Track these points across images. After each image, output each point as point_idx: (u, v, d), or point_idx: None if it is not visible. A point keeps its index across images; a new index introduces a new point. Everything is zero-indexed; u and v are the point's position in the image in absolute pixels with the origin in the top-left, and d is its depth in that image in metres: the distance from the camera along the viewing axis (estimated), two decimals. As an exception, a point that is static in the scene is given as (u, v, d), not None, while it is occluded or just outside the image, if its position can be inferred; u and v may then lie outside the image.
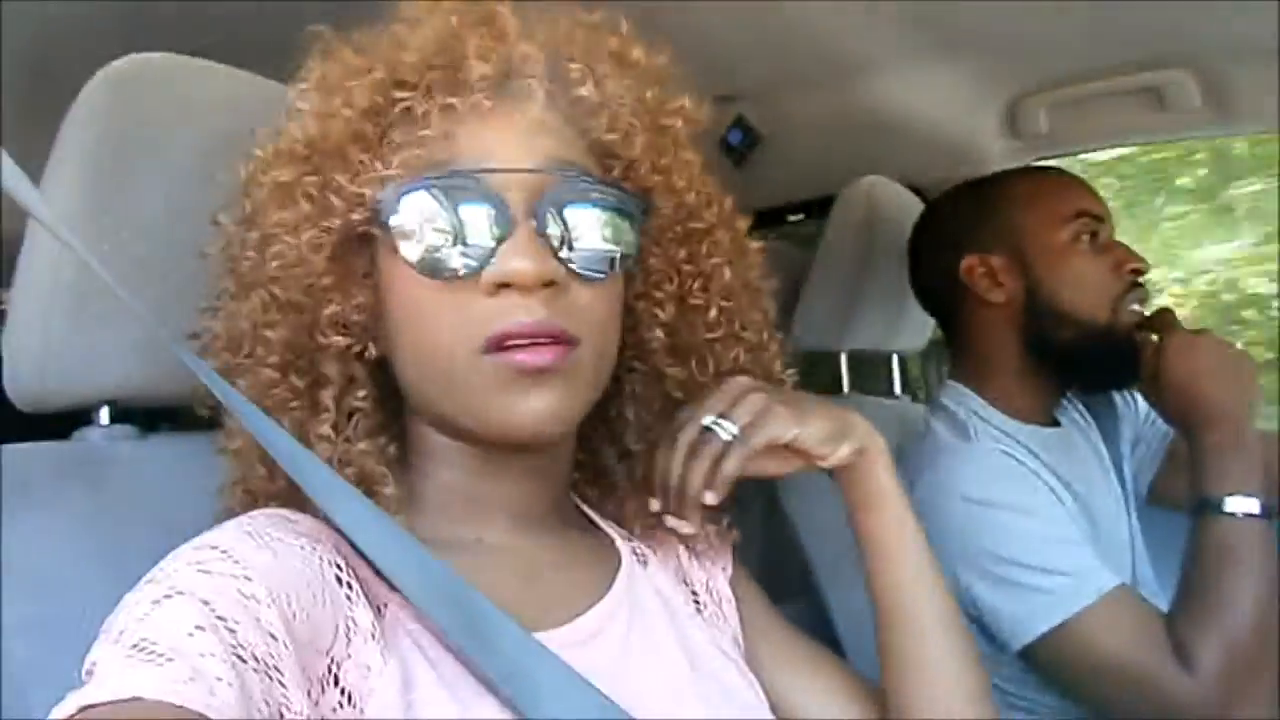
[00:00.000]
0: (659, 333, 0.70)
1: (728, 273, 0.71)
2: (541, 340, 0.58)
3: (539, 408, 0.58)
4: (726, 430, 0.66)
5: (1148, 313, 1.22)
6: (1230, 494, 1.04)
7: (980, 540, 1.11)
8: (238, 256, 0.63)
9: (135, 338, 0.72)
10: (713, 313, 0.70)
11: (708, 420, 0.67)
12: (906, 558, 0.74)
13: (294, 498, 0.59)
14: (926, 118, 1.60)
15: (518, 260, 0.57)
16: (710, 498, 0.66)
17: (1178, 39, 1.39)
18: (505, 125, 0.61)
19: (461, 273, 0.58)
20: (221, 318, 0.65)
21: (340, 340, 0.62)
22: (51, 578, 0.65)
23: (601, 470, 0.75)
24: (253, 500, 0.63)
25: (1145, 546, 1.30)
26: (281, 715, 0.46)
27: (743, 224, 0.73)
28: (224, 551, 0.50)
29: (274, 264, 0.61)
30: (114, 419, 0.76)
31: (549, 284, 0.58)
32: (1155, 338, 1.16)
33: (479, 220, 0.58)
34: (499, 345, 0.57)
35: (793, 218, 1.89)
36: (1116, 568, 1.11)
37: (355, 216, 0.60)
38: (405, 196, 0.59)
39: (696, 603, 0.74)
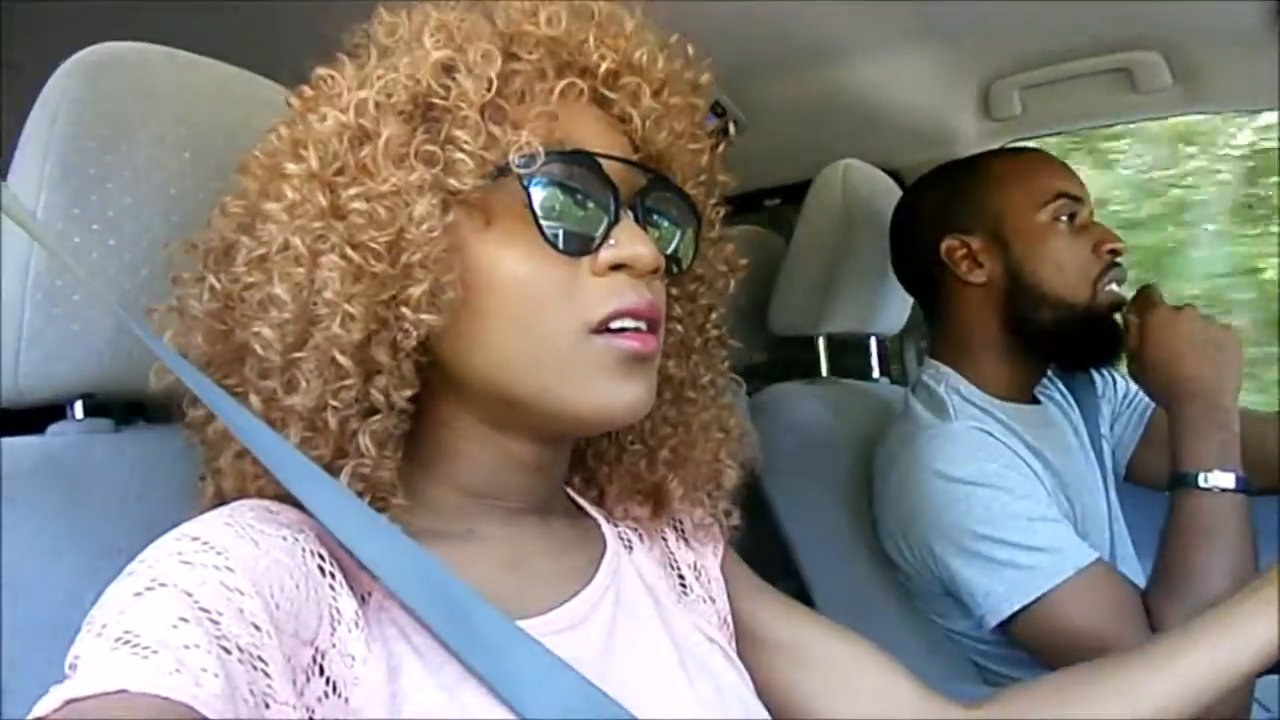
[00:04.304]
0: (676, 326, 0.71)
1: (721, 280, 0.74)
2: (645, 327, 0.60)
3: (639, 393, 0.61)
4: None
5: (1124, 291, 1.23)
6: (1208, 469, 1.05)
7: (958, 517, 1.12)
8: (284, 223, 0.57)
9: (108, 330, 0.71)
10: (714, 315, 0.74)
11: None
12: None
13: (271, 488, 0.58)
14: (901, 101, 1.61)
15: (640, 245, 0.60)
16: None
17: (1148, 20, 1.40)
18: (609, 119, 0.65)
19: (583, 249, 0.59)
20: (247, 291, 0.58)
21: (431, 319, 0.57)
22: (28, 574, 0.64)
23: (593, 459, 0.75)
24: (223, 497, 0.60)
25: (1125, 524, 1.32)
26: (267, 705, 0.46)
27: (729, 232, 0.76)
28: (205, 543, 0.49)
29: (371, 231, 0.56)
30: (89, 413, 0.75)
31: (653, 271, 0.61)
32: (1135, 319, 1.17)
33: (599, 202, 0.60)
34: (608, 325, 0.59)
35: (769, 202, 1.90)
36: (1094, 544, 1.13)
37: (479, 182, 0.58)
38: (545, 167, 0.58)
39: (683, 584, 0.74)
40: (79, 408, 0.74)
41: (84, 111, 0.69)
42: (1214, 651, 0.74)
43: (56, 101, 0.69)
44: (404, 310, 0.57)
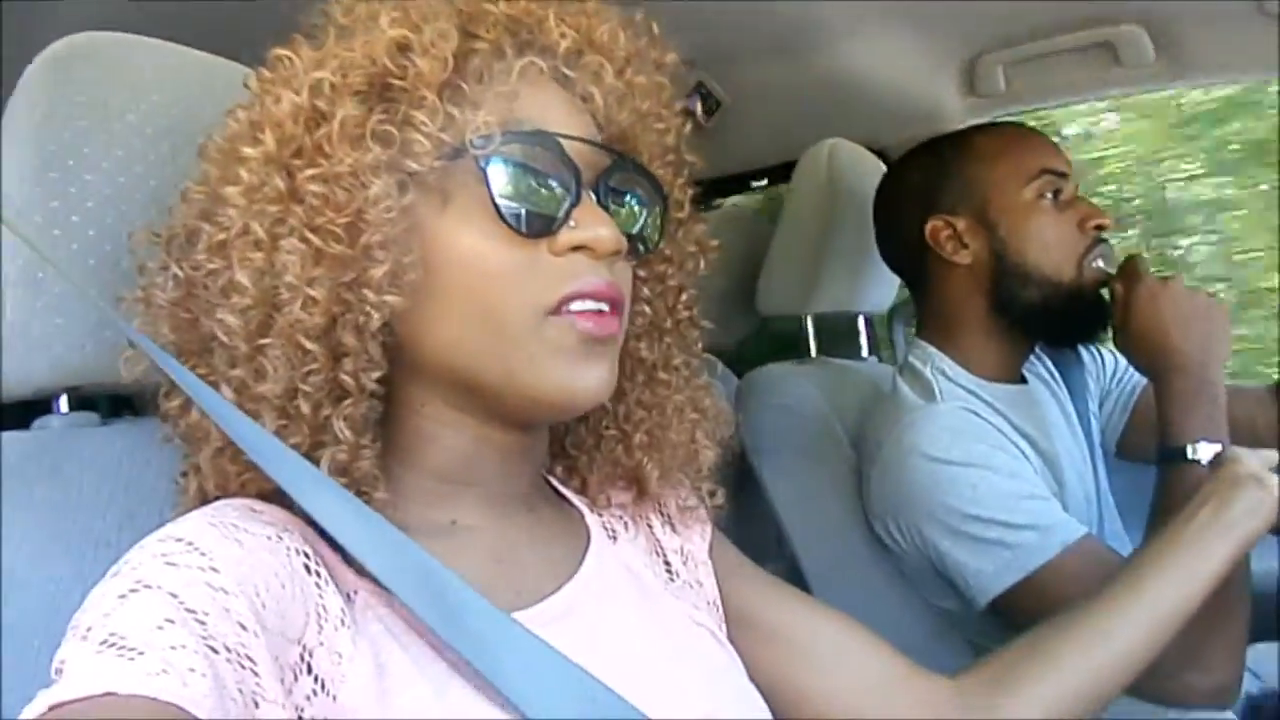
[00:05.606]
0: (644, 308, 0.71)
1: (691, 261, 0.74)
2: (605, 308, 0.60)
3: (600, 376, 0.61)
4: None
5: (1111, 268, 1.23)
6: (1195, 441, 1.05)
7: (946, 497, 1.13)
8: (242, 207, 0.57)
9: (91, 324, 0.71)
10: (684, 296, 0.73)
11: None
12: None
13: (254, 486, 0.58)
14: (886, 80, 1.60)
15: (601, 227, 0.59)
16: None
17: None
18: (571, 98, 0.64)
19: (543, 230, 0.59)
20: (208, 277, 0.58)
21: (394, 300, 0.57)
22: (15, 569, 0.64)
23: (573, 447, 0.74)
24: (206, 495, 0.60)
25: (1113, 501, 1.33)
26: (256, 704, 0.46)
27: (699, 221, 0.75)
28: (189, 543, 0.49)
29: (328, 213, 0.56)
30: (74, 406, 0.74)
31: (614, 253, 0.60)
32: (1121, 290, 1.17)
33: (559, 182, 0.60)
34: (565, 307, 0.59)
35: (756, 183, 1.89)
36: (1082, 522, 1.13)
37: (436, 163, 0.58)
38: (503, 146, 0.58)
39: (669, 570, 0.74)
40: (64, 401, 0.74)
41: (62, 102, 0.68)
42: (1176, 572, 0.80)
43: (34, 92, 0.68)
44: (366, 292, 0.57)
